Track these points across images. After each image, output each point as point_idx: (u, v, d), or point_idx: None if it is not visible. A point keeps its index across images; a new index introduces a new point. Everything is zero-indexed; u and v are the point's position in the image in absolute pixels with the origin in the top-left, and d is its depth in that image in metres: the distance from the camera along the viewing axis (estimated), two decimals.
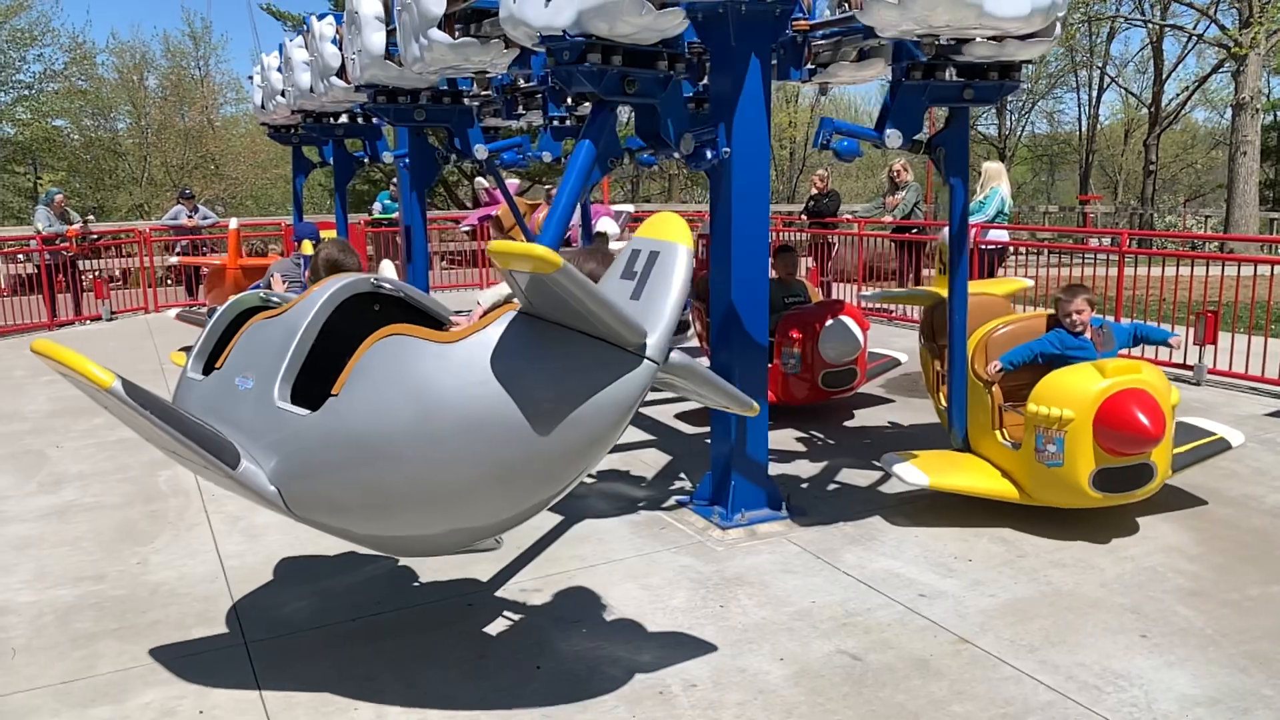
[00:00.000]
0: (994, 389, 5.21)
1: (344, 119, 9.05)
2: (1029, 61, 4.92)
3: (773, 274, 7.56)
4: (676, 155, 5.03)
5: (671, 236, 2.90)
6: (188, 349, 4.96)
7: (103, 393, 2.98)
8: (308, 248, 8.12)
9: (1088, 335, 5.18)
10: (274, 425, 3.26)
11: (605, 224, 11.15)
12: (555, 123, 8.38)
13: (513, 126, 9.31)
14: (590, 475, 5.97)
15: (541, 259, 2.56)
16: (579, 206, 11.06)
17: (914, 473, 5.03)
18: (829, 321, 6.93)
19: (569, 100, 7.64)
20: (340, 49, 7.06)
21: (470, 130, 7.29)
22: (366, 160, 9.73)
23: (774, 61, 5.65)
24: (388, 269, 4.74)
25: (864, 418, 7.33)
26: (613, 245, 10.44)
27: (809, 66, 5.70)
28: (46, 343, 3.08)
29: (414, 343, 3.01)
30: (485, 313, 3.26)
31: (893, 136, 5.05)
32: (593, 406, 2.84)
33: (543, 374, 2.87)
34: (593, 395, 2.83)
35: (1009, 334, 5.41)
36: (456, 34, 5.27)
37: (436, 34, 5.25)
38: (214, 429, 3.26)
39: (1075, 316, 5.17)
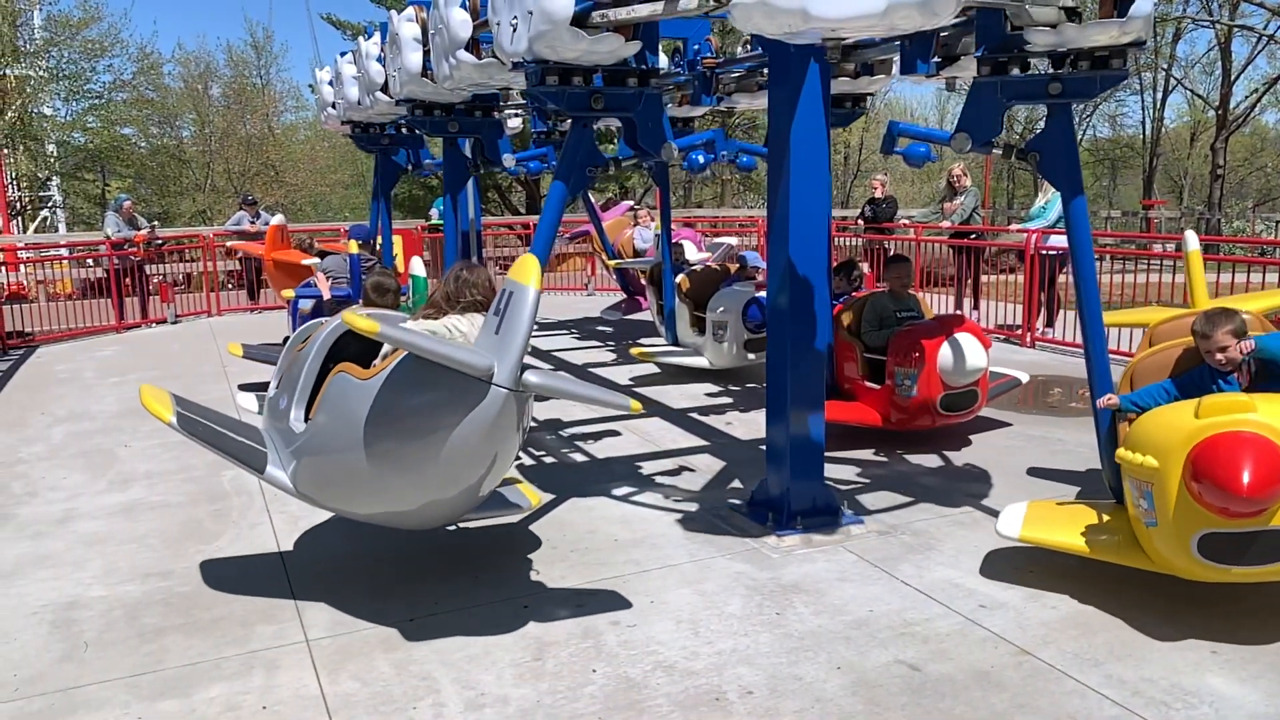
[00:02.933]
0: (1121, 427, 4.40)
1: (389, 129, 9.62)
2: (1138, 44, 4.34)
3: (883, 286, 7.08)
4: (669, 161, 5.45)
5: (524, 280, 3.50)
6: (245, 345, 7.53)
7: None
8: (353, 247, 8.63)
9: (1238, 376, 4.14)
10: (292, 436, 4.31)
11: (687, 247, 11.13)
12: None
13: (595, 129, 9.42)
14: (639, 481, 5.99)
15: (363, 327, 3.45)
16: (656, 223, 11.29)
17: (1011, 521, 4.46)
18: (948, 339, 6.24)
19: None
20: (384, 66, 7.72)
21: (500, 140, 8.01)
22: (410, 168, 10.22)
23: (897, 56, 5.45)
24: (417, 266, 5.99)
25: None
26: (689, 255, 10.39)
27: (935, 59, 5.23)
28: (144, 388, 4.55)
29: (347, 379, 3.91)
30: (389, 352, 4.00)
31: (960, 139, 4.84)
32: (457, 427, 3.57)
33: (415, 401, 3.66)
34: (453, 417, 3.56)
35: (1164, 360, 4.48)
36: (481, 55, 5.79)
37: (464, 55, 5.83)
38: (250, 441, 4.41)
39: (1220, 357, 4.08)
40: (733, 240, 11.50)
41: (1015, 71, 4.63)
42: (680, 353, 9.03)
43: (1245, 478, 3.44)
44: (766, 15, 3.87)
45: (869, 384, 6.64)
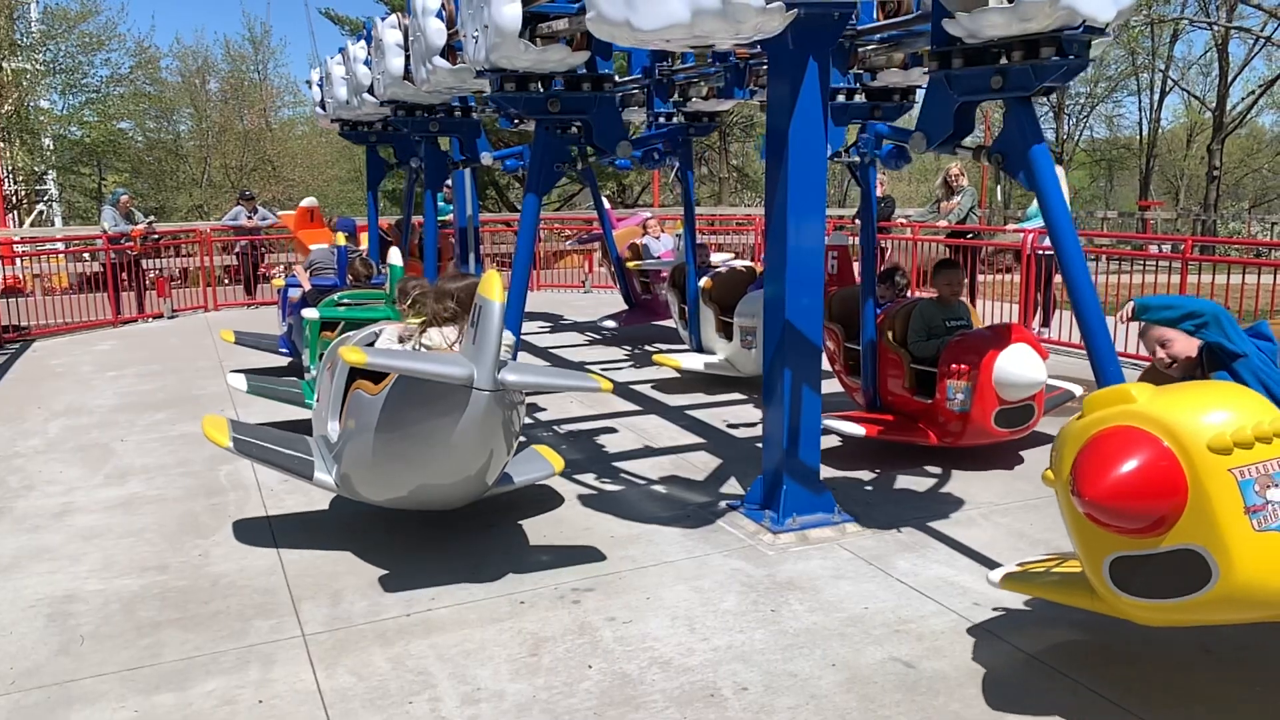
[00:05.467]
0: None
1: (377, 127, 10.12)
2: (1059, 32, 4.02)
3: (930, 293, 6.71)
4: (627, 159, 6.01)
5: (491, 295, 3.95)
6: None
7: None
8: (340, 239, 9.03)
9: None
10: (331, 443, 4.96)
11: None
12: (661, 119, 8.06)
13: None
14: (636, 478, 6.00)
15: (353, 360, 4.03)
16: (669, 231, 11.49)
17: (1004, 569, 3.98)
18: (1004, 350, 5.80)
19: (674, 95, 7.56)
20: (370, 69, 8.20)
21: (478, 140, 8.56)
22: (397, 164, 10.65)
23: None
24: (395, 256, 6.58)
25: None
26: (715, 257, 10.21)
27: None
28: (206, 418, 5.20)
29: (361, 395, 4.48)
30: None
31: (917, 139, 4.77)
32: (451, 428, 4.06)
33: (413, 409, 4.16)
34: (447, 420, 4.05)
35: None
36: (456, 61, 6.21)
37: (439, 61, 6.23)
38: (299, 453, 5.05)
39: (1161, 354, 3.56)
40: (744, 263, 10.91)
41: (958, 64, 4.49)
42: (705, 359, 8.57)
43: (1101, 479, 2.86)
44: (607, 29, 4.39)
45: (917, 398, 6.23)
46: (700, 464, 6.30)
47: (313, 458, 5.01)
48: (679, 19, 4.01)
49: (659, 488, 5.83)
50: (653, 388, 8.51)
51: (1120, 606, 3.15)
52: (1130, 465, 2.85)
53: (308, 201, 13.39)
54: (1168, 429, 2.89)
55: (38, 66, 29.09)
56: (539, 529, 5.17)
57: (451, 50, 6.25)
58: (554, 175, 5.98)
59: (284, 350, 8.83)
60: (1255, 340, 3.36)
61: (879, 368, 6.54)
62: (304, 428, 5.75)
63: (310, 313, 7.11)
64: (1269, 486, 2.84)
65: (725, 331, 8.37)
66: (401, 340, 4.73)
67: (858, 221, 13.76)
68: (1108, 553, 3.05)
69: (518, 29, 5.02)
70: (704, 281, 8.76)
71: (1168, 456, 2.86)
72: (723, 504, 5.47)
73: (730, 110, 23.76)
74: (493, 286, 3.98)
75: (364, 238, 11.39)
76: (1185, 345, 3.48)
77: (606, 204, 12.53)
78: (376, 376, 4.41)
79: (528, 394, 4.93)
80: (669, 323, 10.36)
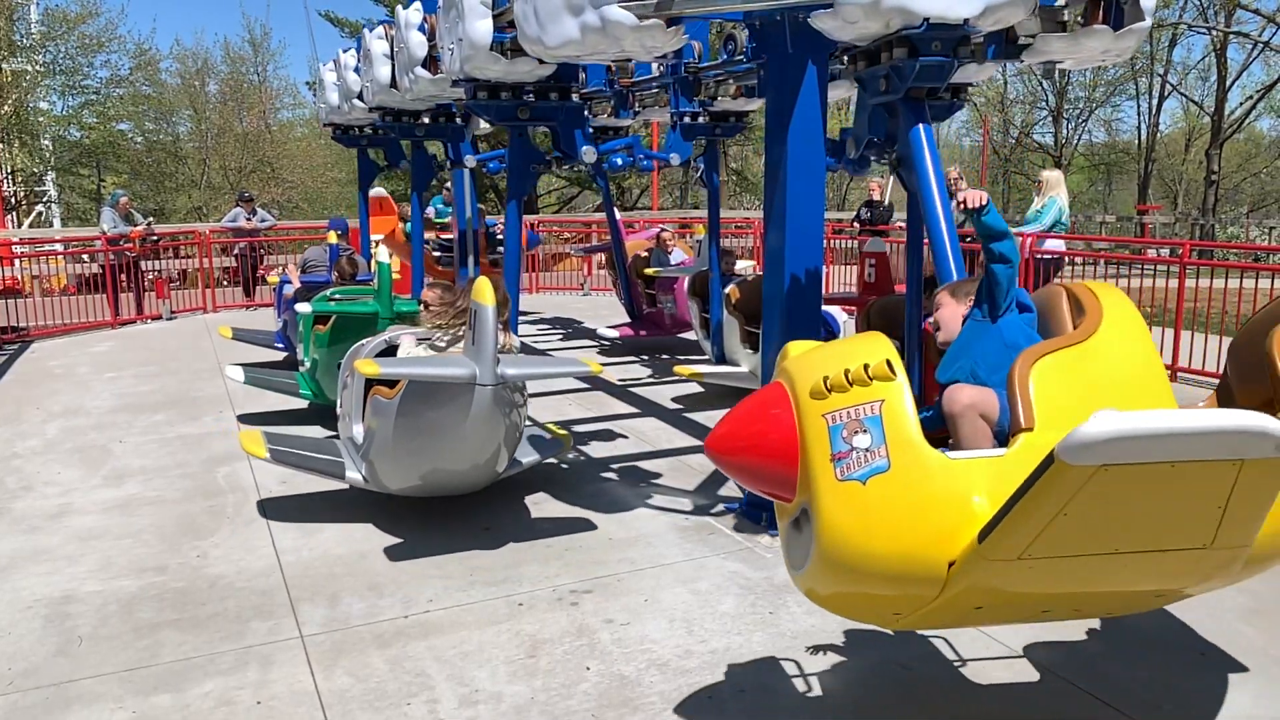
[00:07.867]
0: None
1: (368, 131, 10.27)
2: (901, 32, 3.97)
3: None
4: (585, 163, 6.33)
5: (483, 300, 4.34)
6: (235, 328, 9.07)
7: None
8: (333, 238, 9.45)
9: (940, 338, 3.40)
10: (358, 444, 5.37)
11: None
12: (686, 119, 7.71)
13: (627, 125, 9.39)
14: (634, 480, 6.01)
15: (368, 373, 4.37)
16: (695, 235, 11.43)
17: None
18: None
19: (700, 95, 7.40)
20: (360, 76, 8.55)
21: (462, 144, 8.92)
22: (387, 166, 10.89)
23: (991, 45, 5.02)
24: (382, 254, 6.83)
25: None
26: (739, 265, 10.11)
27: (1022, 41, 4.78)
28: (242, 433, 5.59)
29: (379, 399, 4.85)
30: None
31: (849, 145, 4.76)
32: (460, 421, 4.51)
33: (426, 408, 4.58)
34: (457, 415, 4.50)
35: None
36: (436, 71, 6.53)
37: (420, 71, 6.66)
38: (330, 457, 5.42)
39: (934, 314, 3.44)
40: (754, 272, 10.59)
41: (861, 66, 4.47)
42: (729, 371, 8.22)
43: (716, 429, 2.78)
44: (529, 45, 4.76)
45: None
46: (698, 466, 6.30)
47: (343, 459, 5.38)
48: (573, 36, 4.34)
49: (657, 490, 5.83)
50: (651, 391, 8.52)
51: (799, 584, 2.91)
52: (738, 415, 2.76)
53: (376, 192, 14.15)
54: (789, 378, 2.75)
55: (37, 68, 29.06)
56: (537, 531, 5.17)
57: (433, 61, 6.60)
58: (531, 177, 6.41)
59: (279, 345, 8.93)
60: (1020, 315, 3.21)
61: (925, 383, 6.06)
62: (301, 419, 5.75)
63: (304, 307, 7.22)
64: (857, 432, 2.57)
65: (750, 342, 8.03)
66: (419, 342, 5.29)
67: (856, 225, 13.84)
68: (784, 522, 2.86)
69: (489, 42, 5.39)
70: (728, 289, 8.46)
71: (781, 407, 2.69)
72: (720, 506, 5.47)
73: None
74: (484, 291, 4.36)
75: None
76: (951, 315, 3.30)
77: (619, 214, 12.44)
78: (391, 382, 4.75)
79: (529, 385, 5.34)
80: (686, 336, 10.27)
